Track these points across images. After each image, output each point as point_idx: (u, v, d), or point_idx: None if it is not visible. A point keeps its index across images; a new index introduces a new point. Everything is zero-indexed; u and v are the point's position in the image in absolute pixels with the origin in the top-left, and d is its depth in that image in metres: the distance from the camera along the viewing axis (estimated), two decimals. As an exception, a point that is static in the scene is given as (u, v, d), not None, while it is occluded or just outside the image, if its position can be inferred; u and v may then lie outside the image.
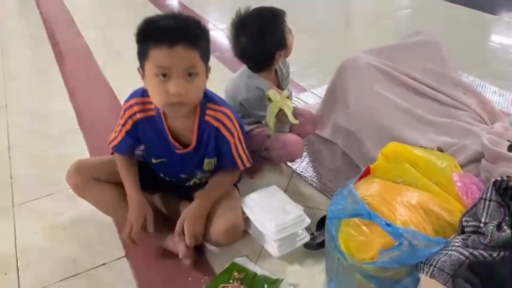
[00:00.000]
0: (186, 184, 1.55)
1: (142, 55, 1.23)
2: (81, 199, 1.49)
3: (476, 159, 1.51)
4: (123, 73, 2.78)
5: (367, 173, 1.23)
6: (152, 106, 1.35)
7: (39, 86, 2.81)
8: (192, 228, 1.37)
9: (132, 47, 1.30)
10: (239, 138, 1.42)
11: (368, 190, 1.15)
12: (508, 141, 1.47)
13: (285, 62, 1.76)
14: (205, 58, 1.26)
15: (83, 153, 2.09)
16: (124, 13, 4.29)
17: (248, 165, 1.47)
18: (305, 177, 1.84)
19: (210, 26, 3.69)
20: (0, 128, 2.35)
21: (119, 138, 1.43)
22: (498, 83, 2.39)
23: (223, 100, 1.46)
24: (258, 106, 1.66)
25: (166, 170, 1.52)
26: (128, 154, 1.48)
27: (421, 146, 1.40)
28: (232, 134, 1.39)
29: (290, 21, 1.69)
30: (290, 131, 1.79)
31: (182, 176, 1.51)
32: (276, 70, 1.71)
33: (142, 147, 1.51)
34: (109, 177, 1.47)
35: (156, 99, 1.25)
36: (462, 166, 1.50)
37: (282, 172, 1.89)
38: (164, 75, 1.18)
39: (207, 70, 1.30)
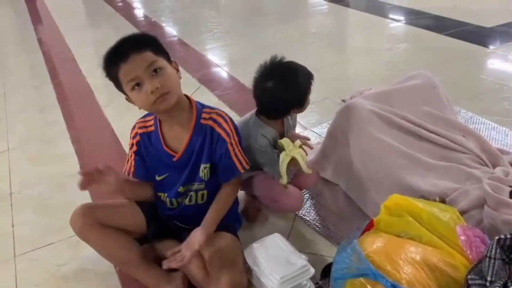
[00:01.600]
0: (187, 209, 1.55)
1: (117, 84, 1.36)
2: (84, 249, 1.49)
3: (479, 204, 1.51)
4: (125, 114, 2.84)
5: (370, 226, 1.24)
6: (151, 122, 1.48)
7: (41, 128, 2.83)
8: (197, 240, 1.39)
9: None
10: (234, 139, 1.47)
11: (372, 246, 1.16)
12: (510, 186, 1.47)
13: (293, 115, 1.78)
14: (162, 54, 1.35)
15: (85, 198, 2.08)
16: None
17: (247, 166, 1.51)
18: (308, 220, 1.84)
19: (210, 62, 3.75)
20: (1, 173, 2.36)
21: (132, 162, 1.52)
22: (495, 118, 2.41)
23: (218, 108, 1.53)
24: (260, 153, 1.67)
25: (168, 187, 1.53)
26: (146, 179, 1.54)
27: (422, 196, 1.40)
28: (227, 133, 1.44)
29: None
30: (290, 183, 1.79)
31: (180, 190, 1.51)
32: (282, 121, 1.72)
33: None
34: (116, 222, 1.48)
35: (144, 106, 1.34)
36: (465, 212, 1.51)
37: (284, 215, 1.89)
38: (138, 84, 1.30)
39: (172, 64, 1.39)
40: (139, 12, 5.84)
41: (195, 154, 1.46)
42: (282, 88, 1.57)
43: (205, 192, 1.54)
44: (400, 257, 1.08)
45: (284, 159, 1.53)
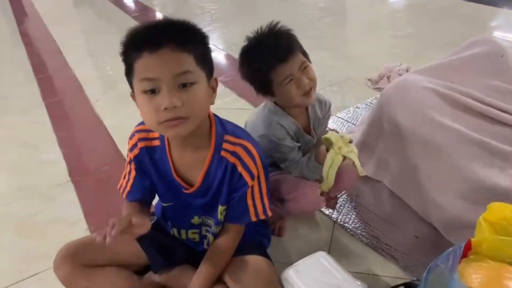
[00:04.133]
0: (203, 247, 1.25)
1: (128, 73, 0.99)
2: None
3: None
4: (118, 108, 2.48)
5: (468, 248, 0.88)
6: (156, 135, 1.12)
7: (24, 130, 2.45)
8: None
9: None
10: (259, 182, 1.13)
11: (475, 280, 0.81)
12: None
13: (322, 102, 1.41)
14: (204, 64, 0.99)
15: (76, 212, 1.74)
16: (117, 40, 3.97)
17: (262, 216, 1.17)
18: (350, 229, 1.50)
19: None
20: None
21: (131, 181, 1.18)
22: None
23: (247, 134, 1.16)
24: (276, 146, 1.32)
25: (177, 218, 1.23)
26: (144, 200, 1.20)
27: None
28: (251, 175, 1.10)
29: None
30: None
31: (193, 221, 1.20)
32: (307, 109, 1.36)
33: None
34: (108, 258, 1.20)
35: (149, 120, 0.99)
36: None
37: (319, 224, 1.55)
38: (153, 91, 0.94)
39: (211, 81, 1.03)
40: (129, -3, 5.43)
41: (212, 190, 1.14)
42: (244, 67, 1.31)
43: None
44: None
45: (334, 160, 1.17)
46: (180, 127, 0.95)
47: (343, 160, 1.18)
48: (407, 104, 1.36)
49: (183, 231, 1.25)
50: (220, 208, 1.15)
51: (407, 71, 2.32)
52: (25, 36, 4.20)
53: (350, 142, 1.20)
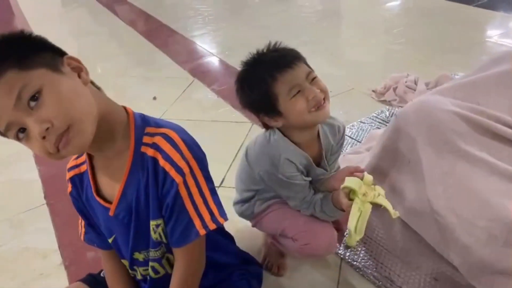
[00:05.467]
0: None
1: None
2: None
3: None
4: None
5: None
6: (84, 158, 0.93)
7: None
8: None
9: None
10: (195, 178, 0.87)
11: None
12: None
13: (335, 127, 1.20)
14: (36, 60, 0.74)
15: (49, 242, 1.55)
16: (105, 42, 3.77)
17: (211, 225, 0.89)
18: (359, 268, 1.32)
19: (202, 51, 3.18)
20: None
21: (83, 221, 1.03)
22: None
23: (173, 123, 0.92)
24: (285, 184, 1.13)
25: (124, 251, 1.00)
26: (108, 246, 1.02)
27: None
28: (177, 169, 0.85)
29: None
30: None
31: (135, 257, 0.99)
32: (318, 135, 1.16)
33: None
34: None
35: (51, 159, 0.78)
36: None
37: (324, 262, 1.36)
38: (22, 130, 0.74)
39: (62, 65, 0.78)
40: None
41: (137, 204, 0.90)
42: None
43: (171, 256, 0.99)
44: None
45: (363, 211, 0.97)
46: (73, 140, 0.74)
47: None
48: (428, 129, 1.18)
49: (137, 270, 1.03)
50: (152, 223, 0.91)
51: (416, 83, 2.15)
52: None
53: (373, 184, 1.01)
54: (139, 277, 1.05)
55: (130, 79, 2.80)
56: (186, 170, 0.85)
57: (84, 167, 0.94)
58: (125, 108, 0.90)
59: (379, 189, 1.01)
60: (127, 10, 4.52)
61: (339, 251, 1.38)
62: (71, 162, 0.97)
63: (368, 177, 1.00)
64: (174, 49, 3.25)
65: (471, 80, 1.29)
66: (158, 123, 0.89)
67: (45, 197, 1.79)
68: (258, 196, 1.27)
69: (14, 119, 0.72)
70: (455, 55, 2.59)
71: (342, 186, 1.01)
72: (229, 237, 1.21)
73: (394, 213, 1.00)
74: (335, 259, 1.36)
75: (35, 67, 0.73)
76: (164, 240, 0.94)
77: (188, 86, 2.60)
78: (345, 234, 1.36)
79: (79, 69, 0.80)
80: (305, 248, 1.19)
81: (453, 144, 1.14)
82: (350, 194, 1.02)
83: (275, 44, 1.11)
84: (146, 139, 0.86)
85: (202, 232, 0.89)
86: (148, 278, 1.02)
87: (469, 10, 3.28)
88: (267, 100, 1.08)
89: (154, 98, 2.48)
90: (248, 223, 1.36)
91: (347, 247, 1.39)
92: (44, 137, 0.72)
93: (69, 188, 0.98)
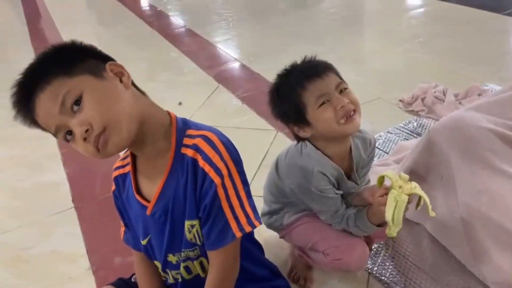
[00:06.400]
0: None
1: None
2: None
3: None
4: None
5: None
6: (128, 159, 0.98)
7: (26, 146, 2.28)
8: None
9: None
10: (232, 181, 0.89)
11: None
12: None
13: (366, 140, 1.20)
14: (75, 69, 0.80)
15: (77, 247, 1.57)
16: (128, 45, 3.82)
17: (247, 228, 0.91)
18: (387, 284, 1.30)
19: (226, 56, 3.19)
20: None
21: (123, 222, 1.08)
22: None
23: (213, 127, 0.94)
24: (317, 198, 1.13)
25: (158, 254, 1.02)
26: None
27: None
28: (217, 170, 0.87)
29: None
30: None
31: (169, 259, 1.00)
32: (350, 148, 1.15)
33: None
34: None
35: (95, 158, 0.84)
36: None
37: (351, 276, 1.34)
38: (70, 133, 0.81)
39: (105, 71, 0.83)
40: (144, 1, 5.28)
41: (174, 203, 0.92)
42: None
43: (205, 260, 1.00)
44: None
45: (399, 201, 0.97)
46: (110, 140, 0.79)
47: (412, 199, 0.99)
48: (462, 146, 1.16)
49: (170, 273, 1.04)
50: (187, 223, 0.93)
51: (444, 93, 2.12)
52: (35, 39, 4.07)
53: (410, 180, 1.00)
54: (171, 280, 1.06)
55: (155, 84, 2.82)
56: (224, 171, 0.87)
57: (128, 168, 0.97)
58: (169, 112, 0.94)
59: (415, 184, 0.99)
60: (152, 15, 4.57)
61: (367, 265, 1.36)
62: (117, 163, 1.02)
63: (404, 175, 0.99)
64: (199, 54, 3.27)
65: (505, 96, 1.26)
66: (198, 126, 0.93)
67: (73, 201, 1.82)
68: (287, 209, 1.26)
69: (60, 123, 0.80)
70: (484, 65, 2.54)
71: (378, 175, 1.00)
72: (259, 246, 1.21)
73: (432, 211, 0.98)
74: (363, 273, 1.34)
75: (79, 74, 0.80)
76: (198, 241, 0.95)
77: (213, 92, 2.62)
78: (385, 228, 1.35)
79: (121, 74, 0.86)
80: (336, 263, 1.19)
81: (487, 162, 1.13)
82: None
83: (309, 57, 1.12)
84: (186, 141, 0.89)
85: (238, 234, 0.90)
86: (180, 280, 1.03)
87: (498, 18, 3.22)
88: (296, 109, 1.08)
89: (180, 103, 2.50)
90: (274, 233, 1.35)
91: (386, 247, 1.39)
92: (85, 139, 0.79)
93: (113, 187, 1.03)
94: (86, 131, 0.78)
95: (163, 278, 1.08)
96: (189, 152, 0.87)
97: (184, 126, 0.91)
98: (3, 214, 1.80)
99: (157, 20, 4.32)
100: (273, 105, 1.14)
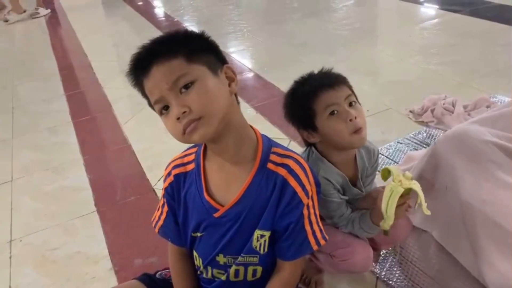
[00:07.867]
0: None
1: (149, 103, 0.94)
2: None
3: None
4: (147, 132, 2.41)
5: None
6: (192, 157, 1.05)
7: (50, 152, 2.39)
8: None
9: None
10: (313, 201, 1.00)
11: None
12: None
13: (370, 150, 1.28)
14: (200, 58, 0.89)
15: (99, 248, 1.66)
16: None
17: (322, 242, 1.03)
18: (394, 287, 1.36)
19: (241, 67, 3.28)
20: (2, 212, 1.95)
21: (164, 215, 1.11)
22: None
23: (295, 152, 1.03)
24: (322, 202, 1.19)
25: (204, 248, 1.07)
26: (182, 243, 1.11)
27: None
28: (305, 191, 0.96)
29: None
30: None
31: (218, 259, 1.05)
32: (355, 158, 1.23)
33: None
34: None
35: (175, 137, 0.92)
36: None
37: (359, 280, 1.41)
38: (166, 108, 0.90)
39: (221, 70, 0.93)
40: (160, 11, 5.42)
41: (249, 212, 0.98)
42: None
43: (259, 268, 1.06)
44: None
45: (394, 192, 1.03)
46: (199, 129, 0.86)
47: (404, 193, 1.04)
48: (467, 158, 1.22)
49: (209, 269, 1.09)
50: (258, 232, 0.99)
51: (453, 105, 2.17)
52: (56, 49, 4.21)
53: (412, 179, 1.06)
54: (208, 276, 1.09)
55: (172, 93, 2.92)
56: (310, 193, 0.97)
57: (190, 167, 1.04)
58: (251, 126, 1.02)
59: (416, 182, 1.05)
60: (169, 25, 4.69)
61: (375, 270, 1.43)
62: (177, 161, 1.07)
63: (408, 173, 1.06)
64: (214, 64, 3.37)
65: (510, 111, 1.32)
66: (281, 146, 1.02)
67: (95, 205, 1.92)
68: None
69: (165, 96, 0.87)
70: (495, 77, 2.58)
71: (383, 167, 1.08)
72: None
73: (426, 209, 1.03)
74: (371, 277, 1.41)
75: (198, 63, 0.88)
76: (261, 251, 1.02)
77: (228, 101, 2.70)
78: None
79: (231, 79, 0.94)
80: (341, 264, 1.25)
81: (491, 174, 1.18)
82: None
83: (326, 68, 1.22)
84: (273, 158, 0.97)
85: (315, 248, 1.02)
86: (224, 279, 1.07)
87: (510, 31, 3.25)
88: (306, 114, 1.17)
89: (196, 112, 2.59)
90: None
91: (394, 253, 1.46)
92: (178, 119, 0.86)
93: (166, 184, 1.07)
94: (183, 112, 0.85)
95: (199, 273, 1.12)
96: (281, 171, 0.95)
97: (269, 142, 1.00)
98: (30, 216, 1.90)
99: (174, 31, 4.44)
100: (287, 108, 1.23)
